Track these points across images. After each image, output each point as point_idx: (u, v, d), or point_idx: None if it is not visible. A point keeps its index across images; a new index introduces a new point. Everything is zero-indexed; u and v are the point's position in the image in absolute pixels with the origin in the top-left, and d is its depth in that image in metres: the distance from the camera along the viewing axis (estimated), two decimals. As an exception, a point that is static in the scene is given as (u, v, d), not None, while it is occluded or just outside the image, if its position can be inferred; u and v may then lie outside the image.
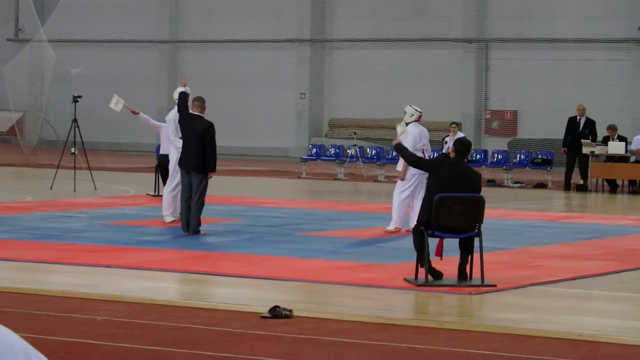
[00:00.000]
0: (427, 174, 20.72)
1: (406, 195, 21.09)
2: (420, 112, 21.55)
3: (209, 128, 20.11)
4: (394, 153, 21.71)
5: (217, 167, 20.47)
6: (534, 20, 41.96)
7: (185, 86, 20.58)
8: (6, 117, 48.59)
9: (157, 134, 24.92)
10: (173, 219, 21.44)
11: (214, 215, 20.66)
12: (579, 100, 35.89)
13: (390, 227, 21.08)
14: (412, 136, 20.66)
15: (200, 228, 20.03)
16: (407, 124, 20.73)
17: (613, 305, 15.03)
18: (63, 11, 48.10)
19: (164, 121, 23.10)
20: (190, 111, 20.54)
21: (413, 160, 17.30)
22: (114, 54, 47.74)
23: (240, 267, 17.01)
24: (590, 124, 33.90)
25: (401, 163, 21.10)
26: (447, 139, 30.52)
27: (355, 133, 37.81)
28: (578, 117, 34.00)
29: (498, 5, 42.93)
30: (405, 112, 21.54)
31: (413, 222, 20.11)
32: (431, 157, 20.39)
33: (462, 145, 16.27)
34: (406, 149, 17.32)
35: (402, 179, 21.09)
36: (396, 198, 21.21)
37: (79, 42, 47.51)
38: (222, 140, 21.67)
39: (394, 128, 18.33)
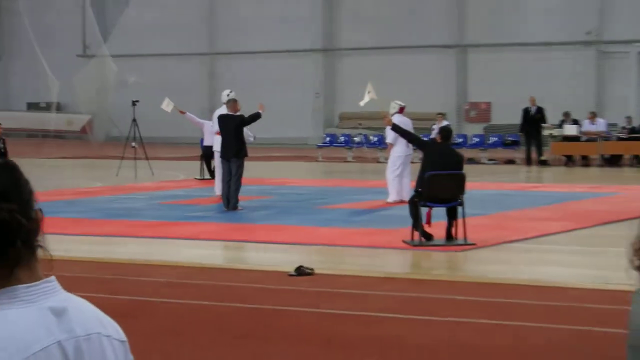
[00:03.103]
0: (410, 157, 20.93)
1: (397, 174, 21.25)
2: (402, 105, 21.76)
3: (241, 118, 20.19)
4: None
5: (250, 154, 20.49)
6: (503, 28, 41.87)
7: (262, 109, 20.56)
8: (78, 119, 48.72)
9: (201, 130, 24.94)
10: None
11: (248, 193, 20.69)
12: (542, 92, 35.93)
13: (390, 200, 21.17)
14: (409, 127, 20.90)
15: (238, 204, 20.07)
16: (392, 115, 20.96)
17: (572, 257, 15.08)
18: (121, 31, 48.16)
19: (208, 119, 23.12)
20: (226, 112, 20.61)
21: (410, 137, 17.68)
22: (163, 64, 47.69)
23: (271, 235, 17.04)
24: (540, 110, 34.12)
25: (390, 135, 21.28)
26: (434, 126, 30.46)
27: (360, 124, 37.85)
28: (530, 107, 34.20)
29: (473, 17, 42.79)
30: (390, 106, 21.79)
31: (403, 195, 20.31)
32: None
33: (446, 132, 16.50)
34: (401, 127, 17.55)
35: (390, 148, 21.53)
36: (389, 176, 21.38)
37: (134, 56, 47.45)
38: (253, 132, 21.65)
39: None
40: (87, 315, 2.47)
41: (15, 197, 2.43)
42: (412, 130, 21.10)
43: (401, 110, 21.61)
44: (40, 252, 2.47)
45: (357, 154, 36.92)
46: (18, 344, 2.30)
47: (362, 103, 20.18)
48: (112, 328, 2.52)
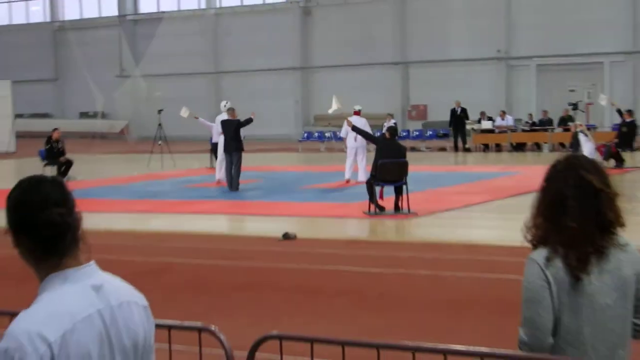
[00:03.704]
0: (363, 148, 20.83)
1: (352, 160, 21.17)
2: (358, 109, 21.63)
3: (238, 122, 20.05)
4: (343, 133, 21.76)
5: (246, 148, 20.29)
6: (435, 48, 41.82)
7: (253, 116, 20.39)
8: (118, 124, 48.56)
9: (210, 130, 24.86)
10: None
11: (245, 178, 20.56)
12: (465, 96, 36.04)
13: (346, 178, 21.05)
14: (365, 125, 20.86)
15: (240, 186, 20.02)
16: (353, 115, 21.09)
17: (490, 222, 15.04)
18: (148, 57, 47.90)
19: (213, 121, 23.06)
20: (226, 117, 20.58)
21: (366, 135, 17.65)
22: (180, 81, 47.46)
23: (263, 209, 16.97)
24: (464, 110, 34.22)
25: (342, 131, 21.59)
26: (385, 123, 30.44)
27: (329, 123, 37.71)
28: (456, 108, 34.33)
29: (413, 40, 42.75)
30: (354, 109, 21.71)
31: (359, 178, 20.23)
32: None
33: (393, 130, 16.59)
34: (359, 128, 17.51)
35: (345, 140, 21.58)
36: (347, 163, 21.30)
37: (159, 76, 47.21)
38: (249, 130, 21.57)
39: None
40: (119, 289, 2.52)
41: (63, 204, 2.45)
42: (368, 129, 21.11)
43: (357, 113, 21.56)
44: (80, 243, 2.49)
45: (328, 146, 36.89)
46: (69, 313, 2.34)
47: (330, 111, 20.27)
48: (137, 297, 2.58)
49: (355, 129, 17.45)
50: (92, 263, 2.49)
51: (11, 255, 2.67)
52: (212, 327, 3.97)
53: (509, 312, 3.18)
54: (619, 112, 26.97)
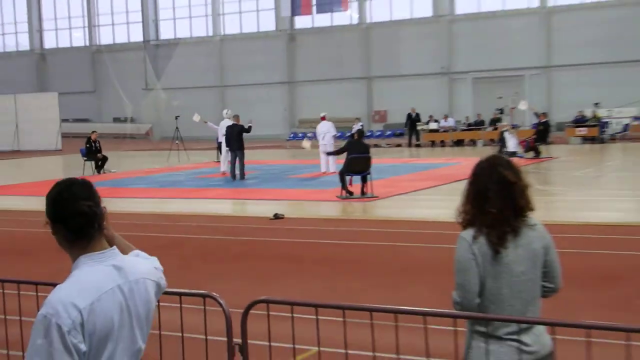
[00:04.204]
0: (331, 145, 20.66)
1: (324, 156, 20.83)
2: (322, 115, 21.55)
3: (242, 127, 19.92)
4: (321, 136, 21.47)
5: (245, 146, 19.96)
6: (393, 65, 41.87)
7: (252, 123, 20.24)
8: (144, 127, 48.25)
9: (216, 132, 24.72)
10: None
11: (245, 169, 20.51)
12: (417, 104, 36.08)
13: (322, 170, 20.84)
14: (331, 127, 20.84)
15: (245, 177, 19.69)
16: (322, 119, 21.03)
17: (436, 202, 14.91)
18: (168, 74, 47.63)
19: (219, 125, 22.90)
20: (232, 122, 20.46)
21: (338, 153, 16.72)
22: (192, 93, 47.17)
23: (258, 195, 16.86)
24: (417, 115, 34.16)
25: (307, 141, 21.66)
26: (354, 126, 30.39)
27: (312, 125, 37.63)
28: (411, 113, 34.31)
29: (375, 59, 42.74)
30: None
31: (328, 168, 20.05)
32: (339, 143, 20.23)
33: (360, 132, 16.40)
34: (333, 151, 17.06)
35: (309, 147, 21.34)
36: (321, 158, 21.06)
37: (175, 89, 46.96)
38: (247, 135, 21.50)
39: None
40: (135, 268, 2.51)
41: (92, 198, 2.44)
42: (333, 130, 21.06)
43: (323, 118, 21.51)
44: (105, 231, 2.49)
45: (311, 144, 36.81)
46: (96, 287, 2.34)
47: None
48: (151, 274, 2.55)
49: (330, 154, 17.33)
50: (114, 248, 2.49)
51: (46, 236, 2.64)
52: (214, 294, 3.95)
53: (450, 274, 3.20)
54: (536, 114, 27.25)
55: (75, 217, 2.36)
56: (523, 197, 3.24)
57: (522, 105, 27.85)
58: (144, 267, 2.55)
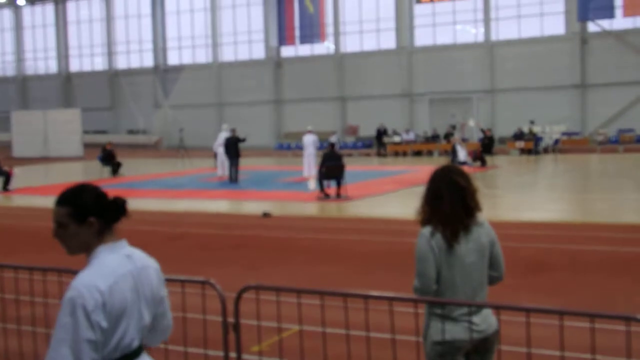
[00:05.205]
0: (313, 155, 20.56)
1: (306, 163, 20.78)
2: (309, 128, 21.46)
3: (238, 138, 19.75)
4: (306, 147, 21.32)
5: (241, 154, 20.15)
6: (365, 87, 41.88)
7: (246, 135, 20.20)
8: (153, 138, 47.80)
9: (214, 143, 24.50)
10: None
11: (239, 174, 20.38)
12: (384, 120, 36.18)
13: (304, 175, 20.70)
14: (315, 139, 20.80)
15: (239, 180, 19.61)
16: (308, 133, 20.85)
17: (399, 203, 14.91)
18: (174, 93, 47.24)
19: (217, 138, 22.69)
20: (230, 134, 20.31)
21: (321, 165, 15.42)
22: (194, 111, 46.82)
23: (249, 195, 16.76)
24: (385, 129, 34.29)
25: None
26: (330, 138, 30.38)
27: (294, 138, 37.58)
28: (380, 127, 34.37)
29: (347, 81, 42.74)
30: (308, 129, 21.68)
31: (310, 173, 19.87)
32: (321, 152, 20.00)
33: (332, 145, 16.09)
34: (320, 168, 15.34)
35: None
36: (304, 164, 21.01)
37: (181, 106, 46.60)
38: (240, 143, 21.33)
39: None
40: (141, 257, 2.53)
41: (100, 198, 2.42)
42: (317, 143, 20.98)
43: (309, 132, 21.44)
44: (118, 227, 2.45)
45: (293, 153, 36.58)
46: (113, 272, 2.34)
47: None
48: (153, 262, 2.57)
49: (320, 178, 15.56)
50: (124, 240, 2.46)
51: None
52: (212, 281, 3.89)
53: (411, 262, 3.17)
54: (482, 130, 27.47)
55: (111, 209, 2.40)
56: (472, 200, 3.24)
57: (471, 122, 28.09)
58: (147, 257, 2.53)
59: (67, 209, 2.36)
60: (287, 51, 44.98)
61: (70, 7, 53.25)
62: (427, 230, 3.20)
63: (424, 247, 3.16)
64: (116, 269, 2.33)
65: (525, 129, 32.39)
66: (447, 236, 3.14)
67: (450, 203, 3.18)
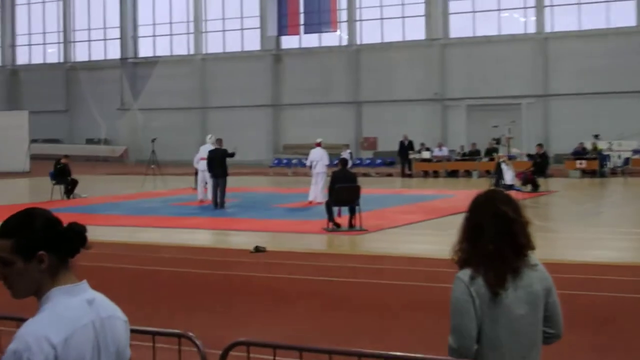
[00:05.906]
0: (322, 175, 20.57)
1: (312, 183, 20.84)
2: (318, 141, 21.53)
3: (225, 151, 19.72)
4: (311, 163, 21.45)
5: (228, 172, 19.87)
6: (383, 90, 42.12)
7: (235, 148, 20.05)
8: (118, 149, 48.11)
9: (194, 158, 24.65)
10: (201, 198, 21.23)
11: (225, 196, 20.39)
12: (409, 130, 36.30)
13: (309, 199, 20.73)
14: (324, 155, 20.87)
15: (225, 204, 19.49)
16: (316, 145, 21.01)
17: (428, 237, 14.92)
18: (146, 93, 47.69)
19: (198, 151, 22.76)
20: (215, 146, 20.31)
21: (330, 187, 15.50)
22: (172, 115, 47.22)
23: (238, 225, 16.73)
24: (410, 142, 34.32)
25: (309, 160, 21.34)
26: (342, 153, 30.52)
27: (296, 152, 37.80)
28: (404, 140, 34.46)
29: (364, 83, 43.00)
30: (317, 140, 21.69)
31: (316, 197, 19.98)
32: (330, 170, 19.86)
33: (343, 161, 16.29)
34: (328, 194, 15.42)
35: (309, 168, 21.26)
36: (311, 186, 21.02)
37: (153, 109, 47.00)
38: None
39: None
40: (106, 304, 2.53)
41: (52, 226, 2.46)
42: (326, 158, 21.02)
43: (318, 144, 21.47)
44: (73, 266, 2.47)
45: (294, 171, 36.65)
46: (70, 321, 2.37)
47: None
48: (120, 313, 2.57)
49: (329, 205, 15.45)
50: (85, 281, 2.47)
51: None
52: (190, 334, 3.89)
53: (444, 315, 3.16)
54: (532, 154, 27.53)
55: (66, 239, 2.40)
56: (523, 235, 3.24)
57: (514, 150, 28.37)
58: (112, 304, 2.53)
59: (10, 241, 2.36)
60: (288, 42, 45.48)
61: (19, -16, 53.94)
62: (465, 273, 3.19)
63: (461, 295, 3.15)
64: (74, 317, 2.33)
65: (588, 145, 32.40)
66: (490, 282, 3.14)
67: (494, 239, 3.18)
